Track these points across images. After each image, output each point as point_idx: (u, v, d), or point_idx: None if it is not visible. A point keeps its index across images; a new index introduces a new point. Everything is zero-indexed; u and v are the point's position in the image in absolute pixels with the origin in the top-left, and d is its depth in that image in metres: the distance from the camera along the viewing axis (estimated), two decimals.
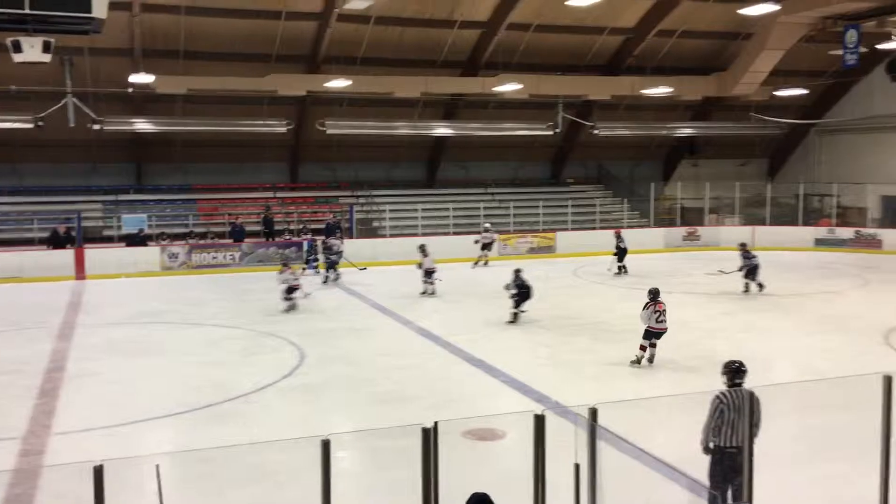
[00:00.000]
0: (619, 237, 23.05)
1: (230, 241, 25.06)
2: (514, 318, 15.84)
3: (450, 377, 12.31)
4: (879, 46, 25.00)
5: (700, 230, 29.04)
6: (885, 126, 29.64)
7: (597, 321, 16.12)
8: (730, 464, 6.90)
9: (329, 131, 26.15)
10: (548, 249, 27.07)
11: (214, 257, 24.04)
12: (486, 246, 24.26)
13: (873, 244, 26.87)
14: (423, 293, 19.18)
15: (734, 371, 7.20)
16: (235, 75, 23.86)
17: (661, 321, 12.48)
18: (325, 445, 4.50)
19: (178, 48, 23.63)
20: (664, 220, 30.22)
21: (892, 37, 23.24)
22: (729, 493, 6.89)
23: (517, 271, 16.10)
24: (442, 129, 28.49)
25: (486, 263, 24.00)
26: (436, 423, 4.60)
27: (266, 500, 7.70)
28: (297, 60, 25.30)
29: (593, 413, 4.93)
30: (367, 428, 9.17)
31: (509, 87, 25.33)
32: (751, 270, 19.01)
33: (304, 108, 26.61)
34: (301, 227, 26.18)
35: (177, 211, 26.91)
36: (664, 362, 12.53)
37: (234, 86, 24.05)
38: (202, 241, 24.92)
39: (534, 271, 17.57)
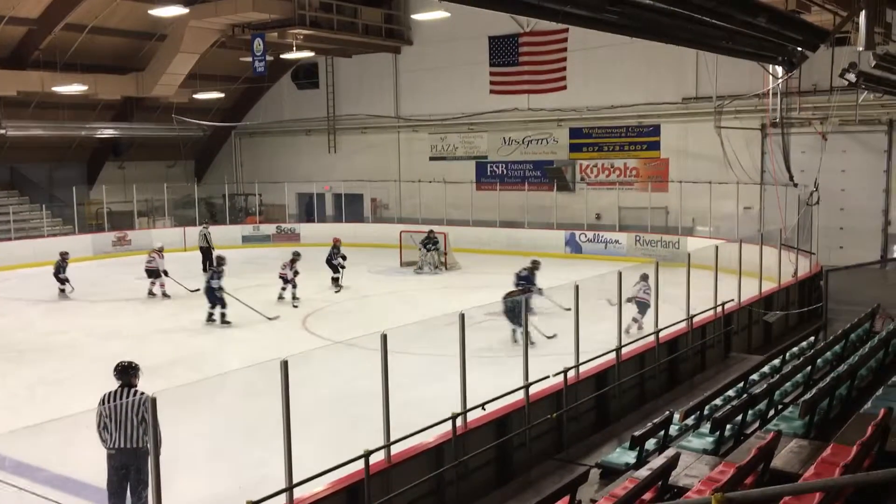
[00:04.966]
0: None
1: None
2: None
3: None
4: (284, 56, 27.35)
5: (131, 234, 28.17)
6: (294, 129, 32.57)
7: (11, 341, 14.41)
8: (116, 466, 6.68)
9: None
10: None
11: None
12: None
13: (293, 237, 29.33)
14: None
15: (118, 371, 7.15)
16: None
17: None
18: None
19: None
20: (92, 226, 28.58)
21: (294, 48, 25.57)
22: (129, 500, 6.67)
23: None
24: None
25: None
26: None
27: None
28: None
29: None
30: None
31: None
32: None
33: None
34: None
35: None
36: (90, 376, 11.68)
37: None
38: None
39: None
